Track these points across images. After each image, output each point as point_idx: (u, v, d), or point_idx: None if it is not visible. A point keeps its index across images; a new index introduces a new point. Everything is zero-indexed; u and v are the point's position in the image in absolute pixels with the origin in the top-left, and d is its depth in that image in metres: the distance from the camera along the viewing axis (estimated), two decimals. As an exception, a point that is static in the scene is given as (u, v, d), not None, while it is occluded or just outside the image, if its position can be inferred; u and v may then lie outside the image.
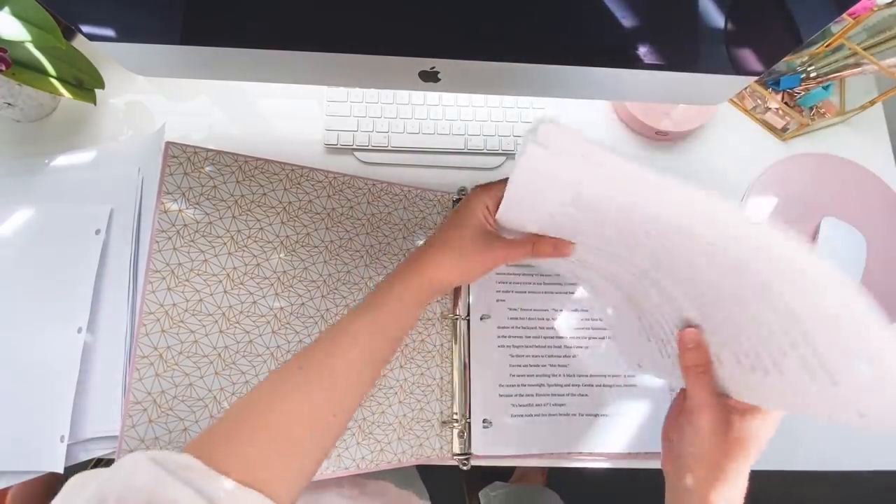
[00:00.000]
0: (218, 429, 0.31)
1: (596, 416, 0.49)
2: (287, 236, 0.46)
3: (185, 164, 0.45)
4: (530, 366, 0.50)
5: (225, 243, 0.44)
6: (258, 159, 0.47)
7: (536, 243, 0.37)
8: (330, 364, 0.33)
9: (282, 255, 0.46)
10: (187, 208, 0.44)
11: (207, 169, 0.45)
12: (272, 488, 0.29)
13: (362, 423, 0.46)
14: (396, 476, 0.57)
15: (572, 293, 0.52)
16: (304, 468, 0.32)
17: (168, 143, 0.45)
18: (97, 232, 0.47)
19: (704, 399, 0.31)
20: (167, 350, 0.41)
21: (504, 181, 0.33)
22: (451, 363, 0.49)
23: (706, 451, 0.31)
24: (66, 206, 0.49)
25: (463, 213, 0.37)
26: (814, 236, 0.54)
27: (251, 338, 0.44)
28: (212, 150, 0.46)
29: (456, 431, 0.47)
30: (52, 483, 0.65)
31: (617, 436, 0.48)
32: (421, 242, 0.53)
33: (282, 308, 0.45)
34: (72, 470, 0.38)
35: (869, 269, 0.53)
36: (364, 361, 0.34)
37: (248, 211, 0.46)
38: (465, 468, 0.47)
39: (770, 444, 0.49)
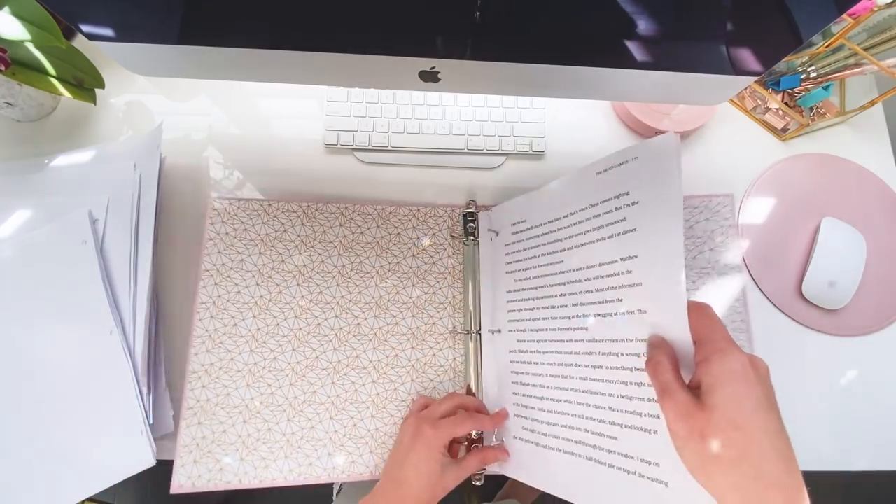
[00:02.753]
0: None
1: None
2: (304, 265, 0.52)
3: (223, 214, 0.53)
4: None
5: (253, 276, 0.51)
6: (280, 201, 0.54)
7: (483, 454, 0.45)
8: None
9: (300, 283, 0.52)
10: (224, 250, 0.52)
11: (243, 215, 0.53)
12: None
13: (374, 434, 0.49)
14: None
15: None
16: None
17: (212, 198, 0.53)
18: (84, 242, 0.48)
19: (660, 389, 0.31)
20: (211, 366, 0.49)
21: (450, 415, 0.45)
22: (464, 378, 0.50)
23: (681, 441, 0.29)
24: (47, 225, 0.50)
25: (431, 455, 0.42)
26: (814, 236, 0.54)
27: (275, 355, 0.50)
28: (243, 199, 0.53)
29: (469, 447, 0.47)
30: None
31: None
32: (427, 242, 0.53)
33: (300, 329, 0.51)
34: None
35: (868, 269, 0.53)
36: None
37: (271, 247, 0.52)
38: (477, 483, 0.47)
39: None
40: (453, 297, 0.53)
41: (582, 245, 0.42)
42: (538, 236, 0.47)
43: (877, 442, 0.50)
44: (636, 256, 0.36)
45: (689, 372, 0.31)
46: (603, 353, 0.39)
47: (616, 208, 0.39)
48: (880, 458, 0.50)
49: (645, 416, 0.34)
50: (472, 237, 0.53)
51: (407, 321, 0.52)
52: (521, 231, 0.50)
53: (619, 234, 0.38)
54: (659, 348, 0.32)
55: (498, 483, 1.07)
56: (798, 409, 0.51)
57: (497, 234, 0.53)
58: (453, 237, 0.54)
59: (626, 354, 0.36)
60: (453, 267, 0.53)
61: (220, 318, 0.50)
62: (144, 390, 0.45)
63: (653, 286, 0.35)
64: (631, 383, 0.36)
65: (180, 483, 0.46)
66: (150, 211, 0.49)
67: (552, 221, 0.46)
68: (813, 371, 0.52)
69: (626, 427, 0.36)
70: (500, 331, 0.50)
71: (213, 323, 0.50)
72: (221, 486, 0.46)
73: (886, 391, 0.51)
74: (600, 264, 0.40)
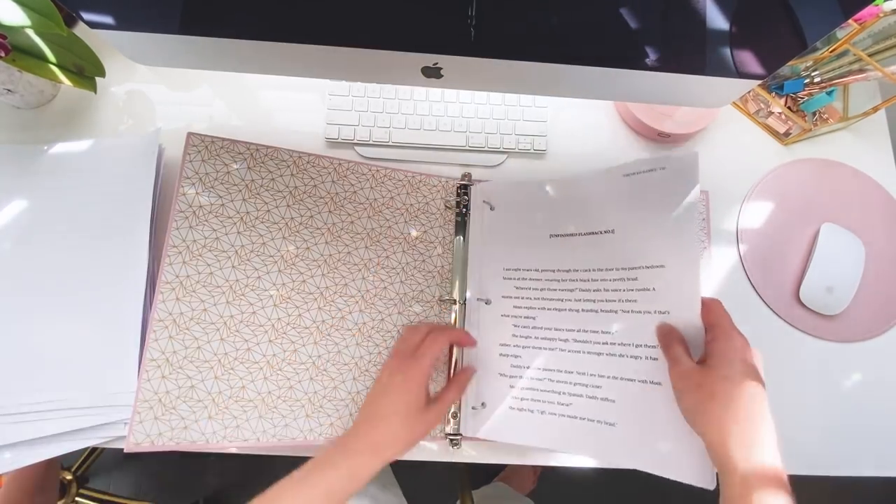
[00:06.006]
0: None
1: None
2: (292, 218, 0.50)
3: (203, 152, 0.49)
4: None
5: (235, 223, 0.48)
6: (269, 147, 0.51)
7: (457, 378, 0.46)
8: None
9: (286, 236, 0.49)
10: (203, 191, 0.48)
11: (226, 156, 0.49)
12: None
13: (356, 397, 0.48)
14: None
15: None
16: None
17: (189, 134, 0.49)
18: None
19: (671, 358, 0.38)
20: (180, 316, 0.45)
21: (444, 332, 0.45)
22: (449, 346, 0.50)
23: (694, 394, 0.36)
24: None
25: (409, 387, 0.41)
26: (813, 241, 0.54)
27: (254, 310, 0.47)
28: (227, 140, 0.50)
29: (450, 412, 0.48)
30: (45, 473, 0.65)
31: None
32: (415, 233, 0.53)
33: (284, 284, 0.48)
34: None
35: (867, 276, 0.53)
36: None
37: (256, 194, 0.49)
38: (455, 447, 0.48)
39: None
40: (442, 266, 0.53)
41: (604, 244, 0.46)
42: (558, 224, 0.49)
43: (873, 448, 0.50)
44: (663, 266, 0.42)
45: (696, 352, 0.39)
46: (619, 345, 0.44)
47: (646, 219, 0.44)
48: (877, 464, 0.50)
49: (647, 382, 0.42)
50: (465, 209, 0.53)
51: (395, 286, 0.51)
52: (533, 215, 0.51)
53: (646, 241, 0.44)
54: (670, 330, 0.40)
55: (493, 473, 1.07)
56: (793, 414, 0.51)
57: (492, 209, 0.53)
58: (447, 208, 0.54)
59: (641, 346, 0.42)
60: (444, 237, 0.53)
61: (194, 265, 0.46)
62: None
63: (675, 289, 0.41)
64: (645, 357, 0.42)
65: (137, 441, 0.42)
66: (147, 203, 0.49)
67: (577, 215, 0.48)
68: (809, 376, 0.52)
69: (624, 395, 0.43)
70: (489, 301, 0.51)
71: (185, 269, 0.46)
72: (184, 446, 0.43)
73: (883, 397, 0.52)
74: (623, 268, 0.45)
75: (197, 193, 0.48)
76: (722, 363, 0.35)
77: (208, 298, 0.46)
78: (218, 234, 0.48)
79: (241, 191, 0.49)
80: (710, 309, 0.39)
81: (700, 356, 0.39)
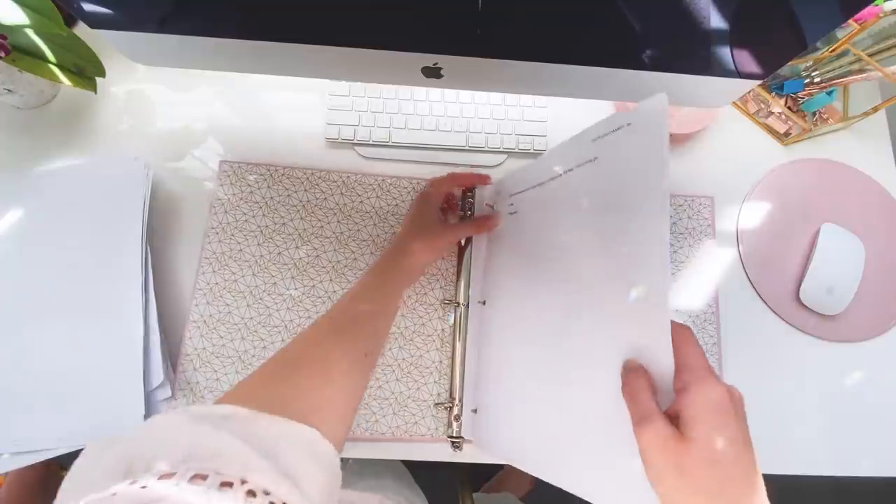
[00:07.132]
0: (256, 376, 0.33)
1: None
2: (304, 229, 0.54)
3: (231, 176, 0.55)
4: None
5: (255, 236, 0.53)
6: (286, 167, 0.56)
7: (478, 221, 0.51)
8: (353, 312, 0.40)
9: (298, 245, 0.54)
10: (230, 210, 0.54)
11: (251, 178, 0.55)
12: (315, 421, 0.29)
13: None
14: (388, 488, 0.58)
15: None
16: (347, 404, 0.35)
17: (221, 161, 0.55)
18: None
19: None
20: (210, 318, 0.51)
21: (450, 175, 0.51)
22: (452, 348, 0.50)
23: (653, 465, 0.27)
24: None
25: (425, 207, 0.49)
26: (813, 241, 0.54)
27: (270, 312, 0.52)
28: (252, 163, 0.55)
29: (452, 414, 0.48)
30: (45, 473, 0.65)
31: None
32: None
33: (296, 289, 0.52)
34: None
35: (867, 276, 0.53)
36: (378, 313, 0.42)
37: (274, 210, 0.54)
38: (457, 450, 0.48)
39: (764, 448, 0.49)
40: (446, 269, 0.53)
41: (569, 218, 0.40)
42: (533, 208, 0.46)
43: (872, 448, 0.50)
44: (626, 254, 0.33)
45: (666, 398, 0.29)
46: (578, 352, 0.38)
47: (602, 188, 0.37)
48: (877, 464, 0.50)
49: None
50: (470, 212, 0.53)
51: None
52: (517, 203, 0.48)
53: (602, 213, 0.36)
54: (636, 373, 0.30)
55: (493, 473, 1.07)
56: (793, 414, 0.51)
57: (492, 208, 0.53)
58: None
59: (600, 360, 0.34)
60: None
61: (221, 273, 0.52)
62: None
63: (637, 293, 0.32)
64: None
65: None
66: (137, 224, 0.49)
67: (541, 185, 0.44)
68: (808, 376, 0.52)
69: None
70: (484, 302, 0.51)
71: (214, 277, 0.52)
72: None
73: (883, 397, 0.52)
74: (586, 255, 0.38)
75: (226, 212, 0.54)
76: (706, 435, 0.26)
77: (232, 302, 0.51)
78: (241, 246, 0.53)
79: (261, 207, 0.54)
80: (680, 340, 0.29)
81: (668, 407, 0.29)
